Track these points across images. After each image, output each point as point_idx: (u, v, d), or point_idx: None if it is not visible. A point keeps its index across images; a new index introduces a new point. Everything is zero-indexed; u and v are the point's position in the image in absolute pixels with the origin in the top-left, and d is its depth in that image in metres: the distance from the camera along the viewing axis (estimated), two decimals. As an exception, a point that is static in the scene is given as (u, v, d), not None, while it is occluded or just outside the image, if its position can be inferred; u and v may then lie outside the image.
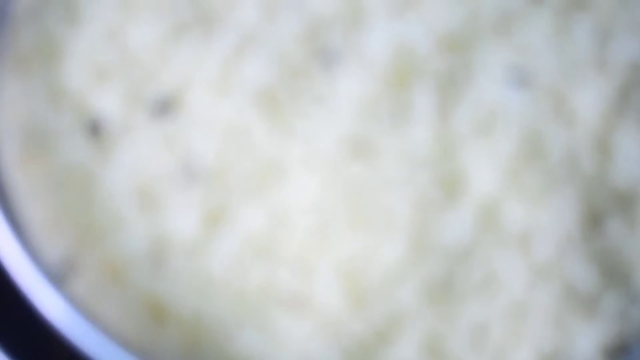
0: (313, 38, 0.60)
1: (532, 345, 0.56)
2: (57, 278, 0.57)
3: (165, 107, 0.59)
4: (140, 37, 0.61)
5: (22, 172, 0.60)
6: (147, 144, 0.59)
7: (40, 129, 0.60)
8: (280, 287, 0.56)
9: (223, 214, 0.58)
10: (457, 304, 0.56)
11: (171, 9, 0.61)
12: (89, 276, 0.57)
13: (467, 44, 0.60)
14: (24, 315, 0.55)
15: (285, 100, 0.59)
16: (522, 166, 0.57)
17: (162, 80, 0.60)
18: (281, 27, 0.60)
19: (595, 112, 0.59)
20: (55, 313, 0.54)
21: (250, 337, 0.55)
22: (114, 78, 0.60)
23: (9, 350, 0.59)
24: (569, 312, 0.56)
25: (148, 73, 0.60)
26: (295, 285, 0.56)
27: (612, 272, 0.59)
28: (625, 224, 0.59)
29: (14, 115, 0.61)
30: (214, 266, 0.57)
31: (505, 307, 0.56)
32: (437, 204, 0.56)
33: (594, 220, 0.59)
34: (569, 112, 0.59)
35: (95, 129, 0.60)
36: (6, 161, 0.60)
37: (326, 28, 0.61)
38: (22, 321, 0.57)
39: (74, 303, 0.55)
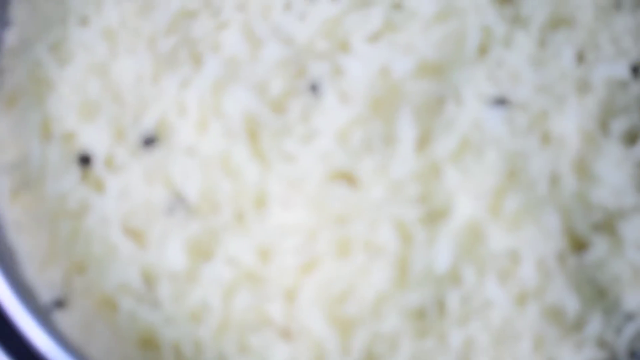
0: (295, 68, 0.61)
1: None
2: (49, 309, 0.58)
3: (149, 141, 0.61)
4: (125, 73, 0.62)
5: (14, 205, 0.61)
6: (133, 177, 0.60)
7: (31, 163, 0.62)
8: (267, 315, 0.57)
9: (209, 245, 0.59)
10: (442, 328, 0.57)
11: (154, 43, 0.62)
12: (80, 307, 0.58)
13: (447, 69, 0.61)
14: (15, 346, 0.57)
15: (267, 131, 0.60)
16: (504, 189, 0.57)
17: (147, 115, 0.61)
18: (264, 58, 0.61)
19: (577, 132, 0.58)
20: (45, 344, 0.55)
21: (236, 363, 0.56)
22: (101, 113, 0.62)
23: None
24: (554, 334, 0.56)
25: (133, 108, 0.62)
26: (281, 314, 0.57)
27: (596, 293, 0.59)
28: (609, 245, 0.59)
29: (5, 150, 0.63)
30: (201, 295, 0.58)
31: (491, 330, 0.56)
32: (421, 231, 0.57)
33: (577, 242, 0.59)
34: (549, 133, 0.60)
35: (84, 163, 0.61)
36: (0, 197, 0.61)
37: (309, 58, 0.61)
38: (13, 352, 0.58)
39: (64, 334, 0.57)
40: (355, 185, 0.58)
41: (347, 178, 0.59)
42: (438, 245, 0.57)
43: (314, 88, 0.60)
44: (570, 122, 0.59)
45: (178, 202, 0.59)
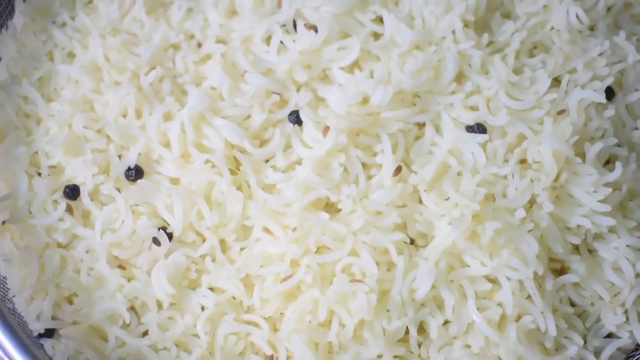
0: (276, 99, 0.62)
1: None
2: (39, 338, 0.59)
3: (134, 174, 0.61)
4: (109, 108, 0.63)
5: (3, 237, 0.62)
6: (119, 208, 0.61)
7: (19, 196, 0.63)
8: (252, 342, 0.58)
9: (194, 275, 0.60)
10: (424, 352, 0.58)
11: (138, 78, 0.64)
12: (70, 335, 0.59)
13: (425, 96, 0.62)
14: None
15: (249, 162, 0.60)
16: (482, 214, 0.58)
17: (131, 148, 0.62)
18: (245, 89, 0.62)
19: (553, 156, 0.59)
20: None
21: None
22: (87, 147, 0.63)
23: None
24: (535, 357, 0.56)
25: (118, 141, 0.63)
26: (265, 342, 0.57)
27: (576, 315, 0.60)
28: (587, 267, 0.59)
29: (-6, 184, 0.64)
30: (187, 324, 0.59)
31: (472, 354, 0.57)
32: (401, 257, 0.57)
33: (555, 265, 0.60)
34: (525, 158, 0.60)
35: (70, 196, 0.62)
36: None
37: (289, 88, 0.63)
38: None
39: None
40: (335, 213, 0.59)
41: (328, 206, 0.60)
42: (418, 271, 0.58)
43: (294, 118, 0.62)
44: (547, 147, 0.59)
45: (162, 233, 0.60)
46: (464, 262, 0.58)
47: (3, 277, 0.61)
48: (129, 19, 0.67)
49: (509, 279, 0.57)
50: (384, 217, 0.58)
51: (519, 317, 0.57)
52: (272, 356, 0.57)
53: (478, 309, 0.57)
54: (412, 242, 0.59)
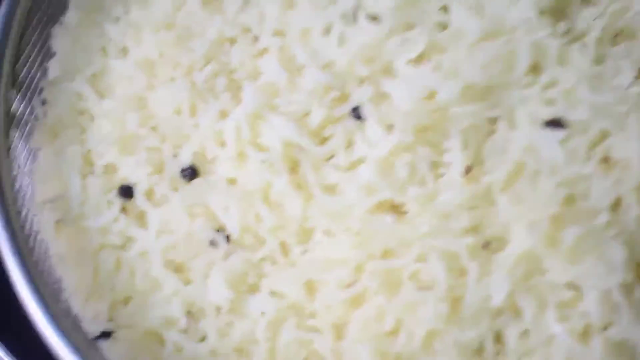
0: (336, 94, 0.59)
1: None
2: (95, 341, 0.57)
3: (189, 174, 0.59)
4: (163, 105, 0.61)
5: (58, 238, 0.61)
6: (174, 209, 0.59)
7: (73, 197, 0.61)
8: (314, 350, 0.55)
9: (253, 279, 0.57)
10: None
11: (192, 73, 0.61)
12: (126, 338, 0.58)
13: (497, 91, 0.58)
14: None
15: (308, 162, 0.58)
16: (562, 218, 0.54)
17: (185, 147, 0.60)
18: (304, 84, 0.59)
19: (639, 154, 0.54)
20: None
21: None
22: (140, 146, 0.61)
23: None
24: None
25: (172, 140, 0.61)
26: (328, 349, 0.54)
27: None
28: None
29: (47, 183, 0.62)
30: (246, 329, 0.56)
31: None
32: (473, 263, 0.54)
33: (640, 273, 0.55)
34: (610, 156, 0.56)
35: (125, 196, 0.61)
36: (45, 229, 0.61)
37: (350, 83, 0.59)
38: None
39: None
40: (401, 216, 0.56)
41: (393, 209, 0.56)
42: (492, 277, 0.53)
43: (356, 115, 0.58)
44: (633, 144, 0.55)
45: (219, 235, 0.58)
46: (543, 268, 0.54)
47: (58, 278, 0.60)
48: (183, 13, 0.65)
49: (592, 287, 0.52)
50: (454, 219, 0.55)
51: (604, 329, 0.53)
52: (333, 365, 0.54)
53: (559, 318, 0.53)
54: (486, 246, 0.55)
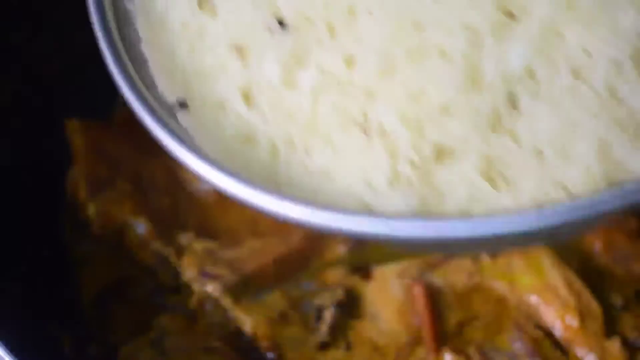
0: None
1: (582, 166, 0.58)
2: (172, 111, 0.69)
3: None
4: None
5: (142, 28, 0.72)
6: (239, 2, 0.69)
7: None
8: (349, 114, 0.64)
9: (302, 58, 0.66)
10: (514, 125, 0.60)
11: None
12: (196, 110, 0.69)
13: None
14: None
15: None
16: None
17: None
18: None
19: None
20: (170, 140, 0.67)
21: (321, 154, 0.64)
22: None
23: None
24: (620, 140, 0.57)
25: None
26: (361, 114, 0.64)
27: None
28: None
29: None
30: (293, 100, 0.66)
31: (555, 131, 0.59)
32: (492, 35, 0.59)
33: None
34: None
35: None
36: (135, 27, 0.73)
37: None
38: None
39: (185, 131, 0.68)
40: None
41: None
42: (512, 45, 0.59)
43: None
44: None
45: (276, 23, 0.67)
46: (560, 35, 0.58)
47: (144, 56, 0.70)
48: None
49: (601, 54, 0.57)
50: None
51: (610, 96, 0.58)
52: (366, 127, 0.64)
53: (571, 79, 0.58)
54: (506, 19, 0.60)
